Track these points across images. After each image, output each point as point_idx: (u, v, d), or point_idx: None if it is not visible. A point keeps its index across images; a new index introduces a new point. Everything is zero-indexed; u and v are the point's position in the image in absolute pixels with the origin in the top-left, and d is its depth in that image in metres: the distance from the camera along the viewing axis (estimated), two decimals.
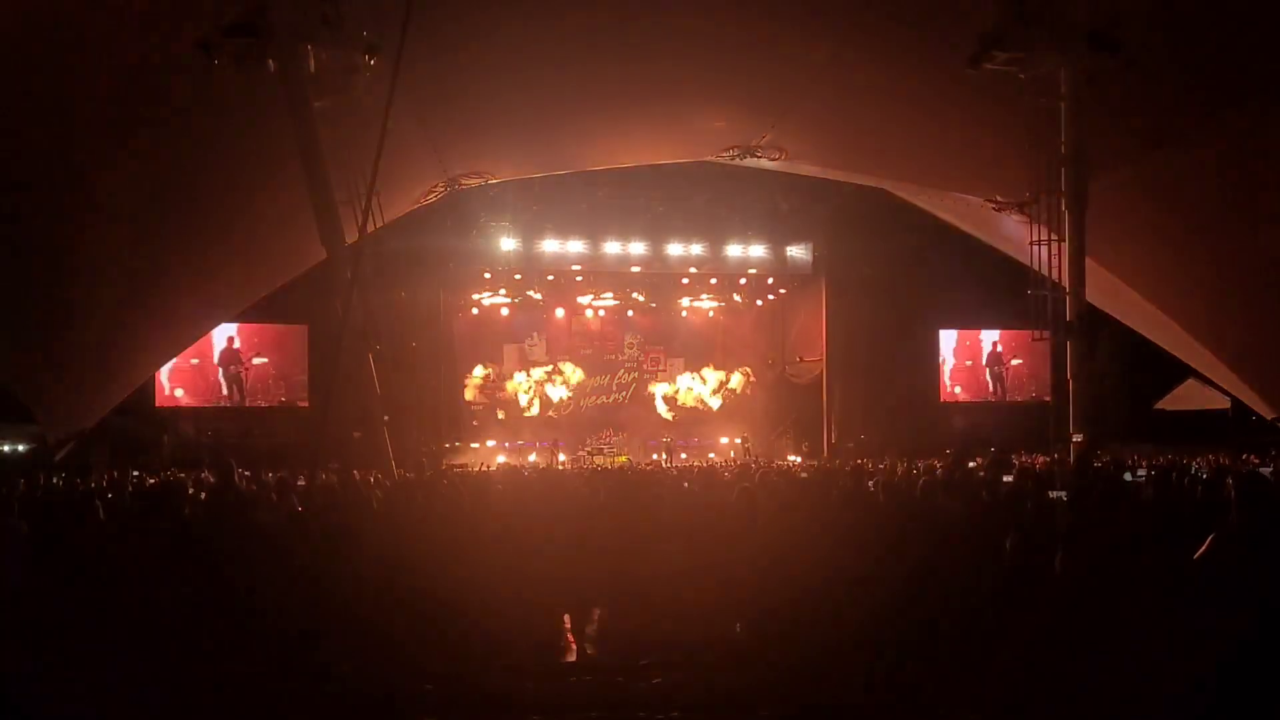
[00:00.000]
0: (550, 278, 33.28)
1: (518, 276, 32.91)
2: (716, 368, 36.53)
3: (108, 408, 22.27)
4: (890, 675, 5.69)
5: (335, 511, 10.08)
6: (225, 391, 30.82)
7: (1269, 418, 23.63)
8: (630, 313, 35.81)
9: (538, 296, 34.02)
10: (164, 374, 29.03)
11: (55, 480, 16.88)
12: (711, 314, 36.37)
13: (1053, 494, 9.43)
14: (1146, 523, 8.31)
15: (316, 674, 5.78)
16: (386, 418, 15.68)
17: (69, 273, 17.58)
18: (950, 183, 22.73)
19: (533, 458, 32.04)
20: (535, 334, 35.56)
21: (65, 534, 7.69)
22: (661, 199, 31.17)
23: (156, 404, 29.49)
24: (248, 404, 31.06)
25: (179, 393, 30.20)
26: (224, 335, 30.13)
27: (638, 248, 32.45)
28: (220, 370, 30.62)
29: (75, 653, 5.44)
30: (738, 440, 34.65)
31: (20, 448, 26.29)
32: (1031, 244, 13.96)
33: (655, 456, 32.72)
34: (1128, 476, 13.66)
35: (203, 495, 11.62)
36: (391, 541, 8.51)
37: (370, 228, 13.07)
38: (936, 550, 7.59)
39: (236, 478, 9.79)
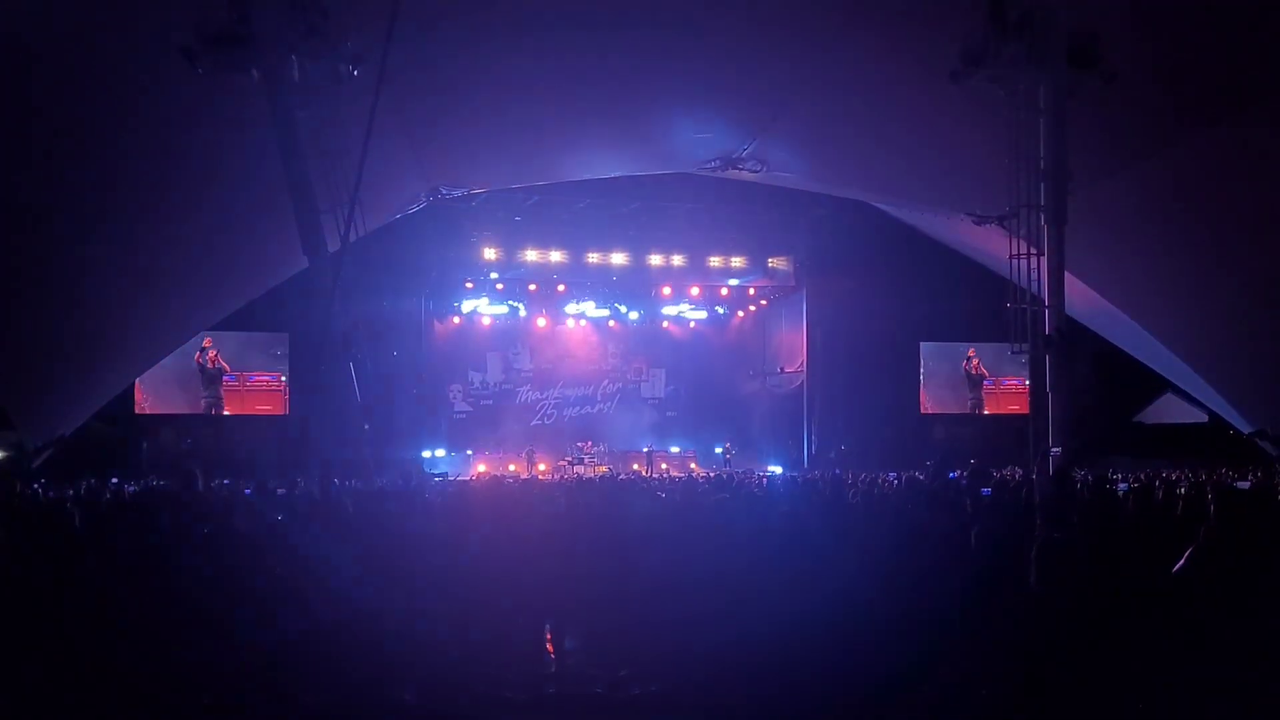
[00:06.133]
0: (532, 287, 33.29)
1: (500, 286, 32.91)
2: None
3: (87, 415, 22.17)
4: (871, 685, 5.71)
5: (313, 520, 10.06)
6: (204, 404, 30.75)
7: (1246, 432, 23.81)
8: (612, 323, 35.79)
9: (520, 306, 33.98)
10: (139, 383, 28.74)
11: (34, 488, 16.76)
12: (693, 324, 36.36)
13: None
14: (1125, 535, 8.35)
15: (295, 684, 5.76)
16: (367, 427, 15.64)
17: (48, 279, 17.52)
18: (931, 196, 22.86)
19: (513, 467, 32.00)
20: (517, 343, 35.52)
21: (43, 543, 7.67)
22: (643, 209, 31.22)
23: (136, 411, 29.34)
24: (226, 412, 30.96)
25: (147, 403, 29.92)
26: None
27: (619, 258, 32.53)
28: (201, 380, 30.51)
29: (53, 661, 5.43)
30: (720, 449, 34.68)
31: None
32: (1011, 258, 14.01)
33: (636, 466, 32.72)
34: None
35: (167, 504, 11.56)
36: (369, 551, 8.50)
37: (352, 236, 13.05)
38: (917, 559, 7.63)
39: (200, 485, 9.74)
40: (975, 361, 34.99)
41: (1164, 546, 6.61)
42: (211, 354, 30.49)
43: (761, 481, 22.55)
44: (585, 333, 35.95)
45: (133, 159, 16.07)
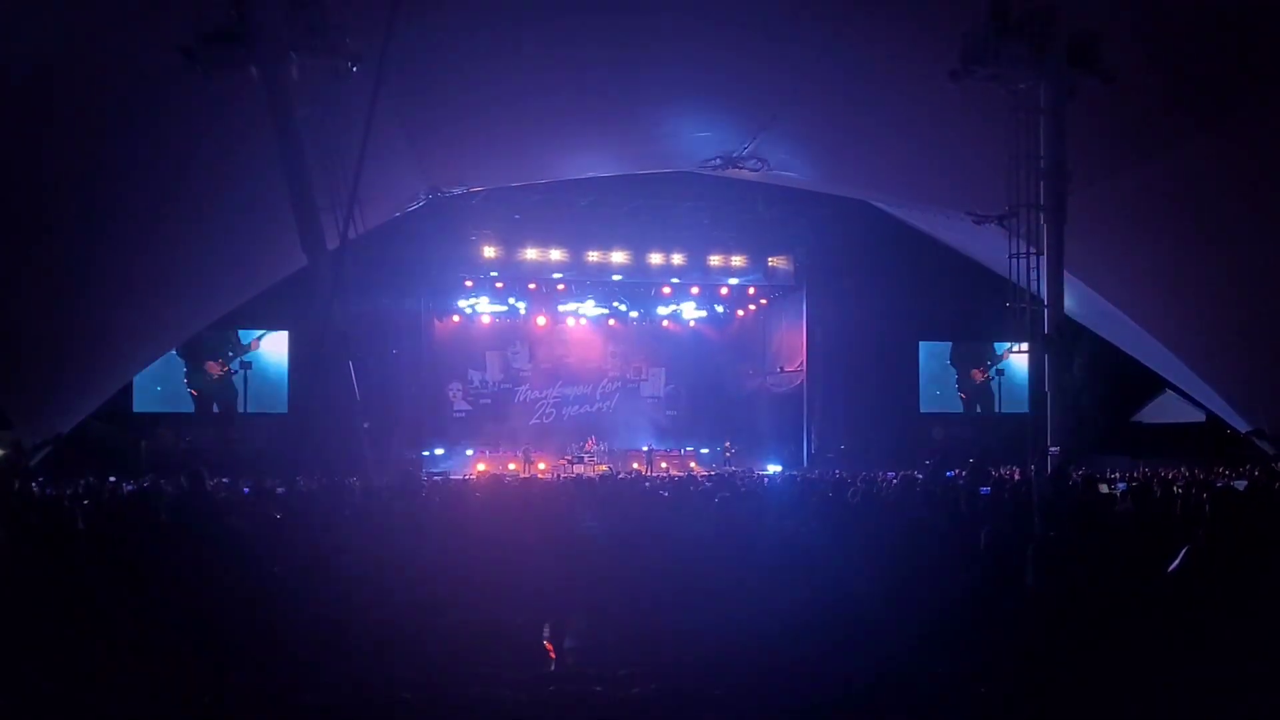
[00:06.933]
0: (532, 286, 33.28)
1: (500, 284, 32.90)
2: None
3: (85, 413, 22.16)
4: (869, 683, 5.70)
5: (312, 518, 10.07)
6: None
7: (1243, 431, 23.80)
8: (612, 322, 35.77)
9: (520, 304, 33.97)
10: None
11: (32, 486, 16.73)
12: (693, 323, 36.35)
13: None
14: (1123, 534, 8.36)
15: (291, 682, 5.76)
16: (366, 425, 15.66)
17: (46, 278, 17.51)
18: (931, 195, 22.85)
19: (512, 466, 31.99)
20: (517, 342, 35.50)
21: (44, 540, 7.66)
22: (643, 208, 31.20)
23: (134, 409, 29.34)
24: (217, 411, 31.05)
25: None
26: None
27: (619, 256, 32.53)
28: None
29: (54, 661, 5.42)
30: (720, 449, 34.67)
31: None
32: (1010, 257, 14.03)
33: (635, 465, 32.70)
34: (1103, 488, 13.72)
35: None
36: (368, 549, 8.50)
37: (352, 234, 13.06)
38: (916, 559, 7.63)
39: (209, 485, 9.75)
40: (979, 371, 35.08)
41: (1162, 546, 6.61)
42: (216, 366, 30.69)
43: (761, 480, 22.56)
44: (585, 331, 35.92)
45: (130, 156, 16.06)
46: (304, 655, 6.20)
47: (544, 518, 11.09)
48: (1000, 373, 34.39)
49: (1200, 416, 27.27)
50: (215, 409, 30.97)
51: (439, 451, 32.47)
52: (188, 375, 30.61)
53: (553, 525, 10.50)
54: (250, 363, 29.59)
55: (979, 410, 34.98)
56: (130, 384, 27.24)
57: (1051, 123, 13.77)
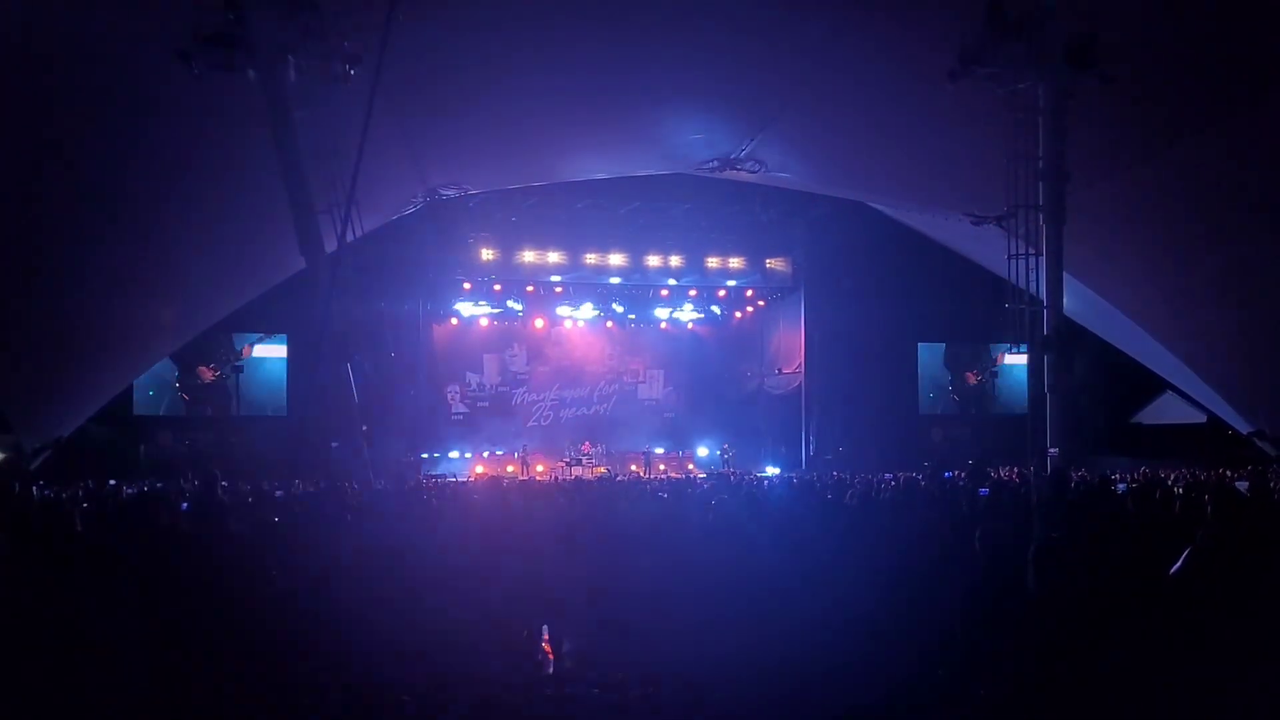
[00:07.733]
0: (530, 288, 33.28)
1: (497, 287, 32.90)
2: None
3: (85, 416, 22.15)
4: (868, 685, 5.70)
5: (311, 521, 10.06)
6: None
7: (1244, 432, 23.80)
8: (609, 324, 35.77)
9: (517, 307, 33.96)
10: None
11: (31, 489, 16.72)
12: (691, 325, 36.35)
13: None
14: (1124, 536, 8.34)
15: (292, 685, 5.75)
16: (365, 428, 15.65)
17: (45, 281, 17.51)
18: (929, 196, 22.84)
19: (510, 469, 32.00)
20: (515, 344, 35.48)
21: (44, 545, 7.64)
22: (641, 210, 31.20)
23: (134, 413, 29.31)
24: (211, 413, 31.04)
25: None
26: None
27: (617, 259, 32.53)
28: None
29: (54, 665, 5.41)
30: (718, 451, 34.66)
31: None
32: (1009, 258, 14.01)
33: (634, 467, 32.71)
34: None
35: (184, 505, 11.54)
36: (367, 552, 8.49)
37: (349, 237, 13.06)
38: (915, 561, 7.62)
39: (219, 489, 9.75)
40: (972, 374, 35.18)
41: (1162, 547, 6.60)
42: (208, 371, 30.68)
43: (760, 483, 22.55)
44: (583, 334, 35.92)
45: (129, 160, 16.06)
46: (304, 658, 6.20)
47: (542, 519, 11.09)
48: (995, 375, 34.53)
49: (1201, 418, 27.26)
50: (208, 412, 30.92)
51: (437, 454, 32.48)
52: (180, 379, 30.56)
53: (551, 527, 10.50)
54: (241, 367, 29.55)
55: (974, 412, 35.08)
56: (130, 387, 27.23)
57: (1050, 123, 13.75)
